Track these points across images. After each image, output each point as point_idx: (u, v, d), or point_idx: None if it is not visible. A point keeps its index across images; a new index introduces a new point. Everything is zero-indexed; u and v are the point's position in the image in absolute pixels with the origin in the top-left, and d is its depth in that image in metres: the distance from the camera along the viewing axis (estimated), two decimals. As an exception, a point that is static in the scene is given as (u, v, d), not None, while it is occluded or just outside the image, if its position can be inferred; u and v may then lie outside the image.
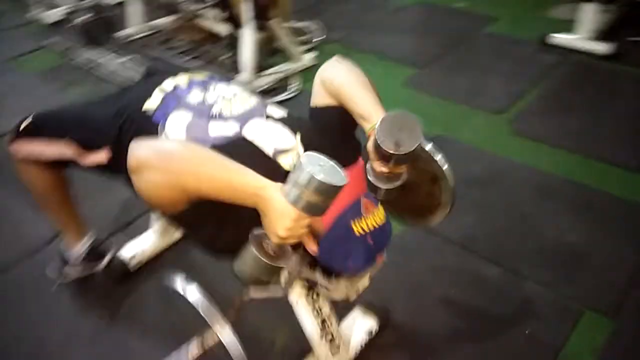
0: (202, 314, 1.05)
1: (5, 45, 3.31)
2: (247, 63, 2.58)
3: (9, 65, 3.09)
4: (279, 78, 2.75)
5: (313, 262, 1.04)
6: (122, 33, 3.04)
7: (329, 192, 0.80)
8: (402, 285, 1.62)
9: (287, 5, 2.80)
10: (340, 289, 1.12)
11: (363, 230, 0.97)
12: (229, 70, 2.66)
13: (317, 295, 1.22)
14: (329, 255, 0.98)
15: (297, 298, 1.21)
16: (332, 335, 1.31)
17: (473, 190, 1.98)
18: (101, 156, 1.15)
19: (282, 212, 0.80)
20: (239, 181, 0.84)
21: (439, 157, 1.02)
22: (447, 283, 1.65)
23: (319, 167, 0.79)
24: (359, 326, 1.46)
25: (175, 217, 0.93)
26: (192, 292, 1.08)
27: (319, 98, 1.13)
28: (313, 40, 3.10)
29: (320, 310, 1.26)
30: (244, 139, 1.07)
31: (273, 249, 0.87)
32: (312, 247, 0.92)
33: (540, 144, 2.27)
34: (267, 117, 1.14)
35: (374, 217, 0.98)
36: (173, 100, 1.16)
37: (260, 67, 2.68)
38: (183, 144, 0.99)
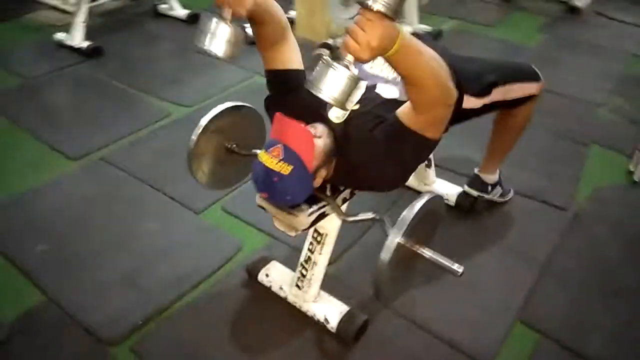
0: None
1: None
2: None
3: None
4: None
5: None
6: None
7: None
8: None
9: None
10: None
11: (260, 159, 1.19)
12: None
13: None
14: None
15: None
16: (305, 274, 1.51)
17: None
18: None
19: None
20: None
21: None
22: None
23: None
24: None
25: None
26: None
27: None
28: None
29: (312, 251, 1.50)
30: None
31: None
32: None
33: None
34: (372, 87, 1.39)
35: (271, 160, 1.16)
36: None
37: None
38: None
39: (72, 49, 3.11)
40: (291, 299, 1.58)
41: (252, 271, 1.66)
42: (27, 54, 3.14)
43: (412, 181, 2.05)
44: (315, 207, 1.28)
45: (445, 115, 1.19)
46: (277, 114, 1.22)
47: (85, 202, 2.02)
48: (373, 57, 0.95)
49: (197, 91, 2.76)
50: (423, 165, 1.96)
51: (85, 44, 3.08)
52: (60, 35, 3.18)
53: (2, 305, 1.59)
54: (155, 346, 1.50)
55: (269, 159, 1.18)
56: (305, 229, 1.30)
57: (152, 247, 1.82)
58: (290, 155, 1.17)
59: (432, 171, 2.00)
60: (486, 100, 1.56)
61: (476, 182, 1.93)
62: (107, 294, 1.64)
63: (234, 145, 1.51)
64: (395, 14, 0.91)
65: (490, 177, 1.92)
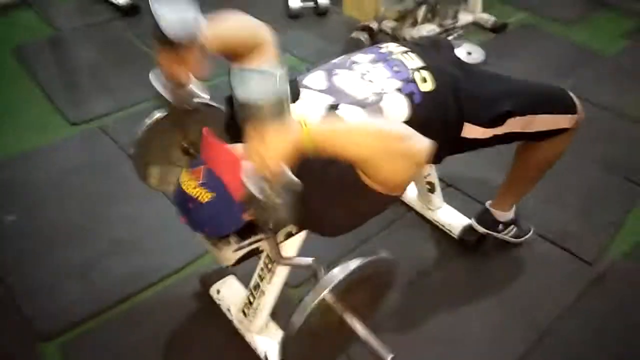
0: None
1: None
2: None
3: None
4: None
5: None
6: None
7: None
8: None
9: None
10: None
11: (179, 180, 1.02)
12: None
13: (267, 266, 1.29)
14: None
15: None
16: (252, 301, 1.33)
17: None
18: None
19: None
20: None
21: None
22: None
23: None
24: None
25: None
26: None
27: None
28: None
29: (262, 278, 1.31)
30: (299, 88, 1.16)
31: None
32: None
33: None
34: (333, 107, 1.11)
35: (189, 182, 0.99)
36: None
37: None
38: None
39: (111, 4, 3.04)
40: (236, 324, 1.42)
41: (206, 283, 1.51)
42: (67, 5, 3.11)
43: (415, 202, 1.80)
44: (245, 242, 1.09)
45: (413, 175, 0.97)
46: (205, 130, 1.03)
47: (70, 174, 1.94)
48: (286, 164, 0.88)
49: (221, 64, 2.59)
50: (425, 188, 1.71)
51: (123, 1, 2.99)
52: (103, -11, 3.11)
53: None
54: (85, 349, 1.40)
55: (188, 180, 1.00)
56: (233, 265, 1.11)
57: (118, 235, 1.71)
58: (212, 181, 0.98)
59: (436, 196, 1.74)
60: (497, 131, 1.28)
61: (486, 217, 1.65)
62: (58, 283, 1.56)
63: (191, 146, 1.34)
64: (277, 112, 0.87)
65: (503, 215, 1.63)
